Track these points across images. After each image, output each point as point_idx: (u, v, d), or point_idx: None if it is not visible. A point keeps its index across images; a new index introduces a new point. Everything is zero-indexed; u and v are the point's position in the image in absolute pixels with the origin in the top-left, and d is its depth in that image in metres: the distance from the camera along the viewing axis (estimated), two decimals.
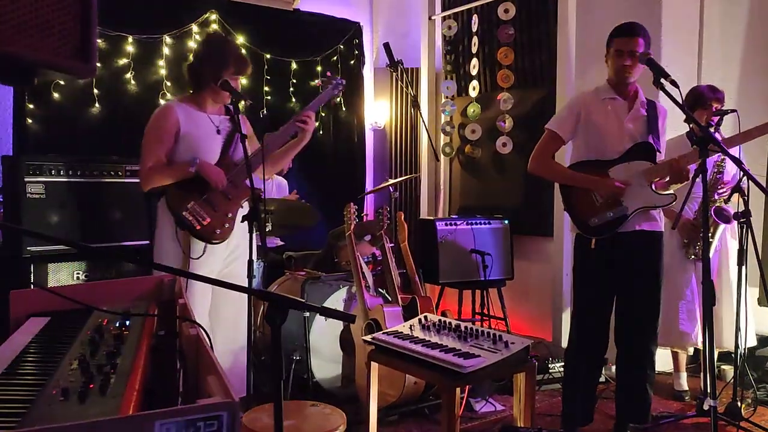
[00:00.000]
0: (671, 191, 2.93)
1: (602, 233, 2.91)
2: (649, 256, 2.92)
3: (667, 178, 2.89)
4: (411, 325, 2.64)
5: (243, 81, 4.89)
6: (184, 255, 2.78)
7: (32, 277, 3.06)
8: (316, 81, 3.13)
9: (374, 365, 2.54)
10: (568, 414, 3.06)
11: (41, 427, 0.91)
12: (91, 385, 1.19)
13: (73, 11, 0.82)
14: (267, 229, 3.73)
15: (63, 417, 1.05)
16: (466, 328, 2.53)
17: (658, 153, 2.93)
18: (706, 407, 2.35)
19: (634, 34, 2.86)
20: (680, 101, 2.44)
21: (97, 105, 4.39)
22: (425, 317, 2.71)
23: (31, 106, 4.14)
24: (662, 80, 2.50)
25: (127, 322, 1.65)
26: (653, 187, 2.89)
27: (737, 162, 2.37)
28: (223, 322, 2.97)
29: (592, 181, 2.92)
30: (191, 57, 3.04)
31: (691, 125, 3.44)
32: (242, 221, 2.76)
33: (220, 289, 2.91)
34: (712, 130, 3.29)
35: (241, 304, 2.92)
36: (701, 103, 3.47)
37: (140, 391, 1.27)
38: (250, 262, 2.63)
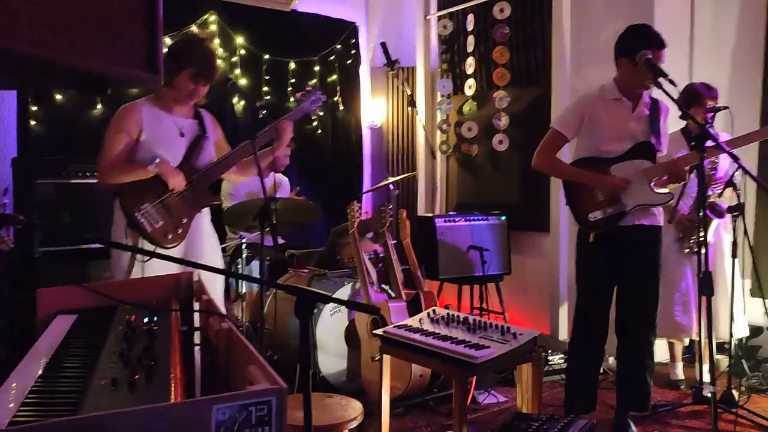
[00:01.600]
0: (668, 190, 3.04)
1: (601, 228, 3.01)
2: (648, 250, 3.02)
3: (666, 178, 2.99)
4: (420, 319, 2.72)
5: (242, 81, 5.05)
6: (131, 257, 2.68)
7: (43, 277, 3.11)
8: (297, 95, 3.11)
9: (386, 358, 2.62)
10: (570, 402, 3.16)
11: (114, 411, 0.97)
12: (137, 376, 1.25)
13: (142, 23, 0.88)
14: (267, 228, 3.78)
15: (118, 405, 1.11)
16: (474, 320, 2.61)
17: (658, 152, 3.03)
18: (706, 394, 2.44)
19: (665, 44, 2.87)
20: (677, 100, 2.54)
21: (99, 106, 4.42)
22: (433, 311, 2.79)
23: (34, 108, 4.16)
24: (660, 79, 2.59)
25: (155, 318, 1.71)
26: (652, 185, 2.98)
27: (735, 158, 2.46)
28: None
29: (595, 178, 3.01)
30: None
31: (687, 122, 3.55)
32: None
33: None
34: (708, 127, 3.38)
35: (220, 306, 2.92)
36: (696, 100, 3.56)
37: (183, 380, 1.33)
38: (262, 261, 2.70)
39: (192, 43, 2.88)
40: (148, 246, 2.66)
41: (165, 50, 2.82)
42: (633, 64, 2.88)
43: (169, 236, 2.71)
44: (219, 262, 2.89)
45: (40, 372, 1.34)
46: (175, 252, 2.74)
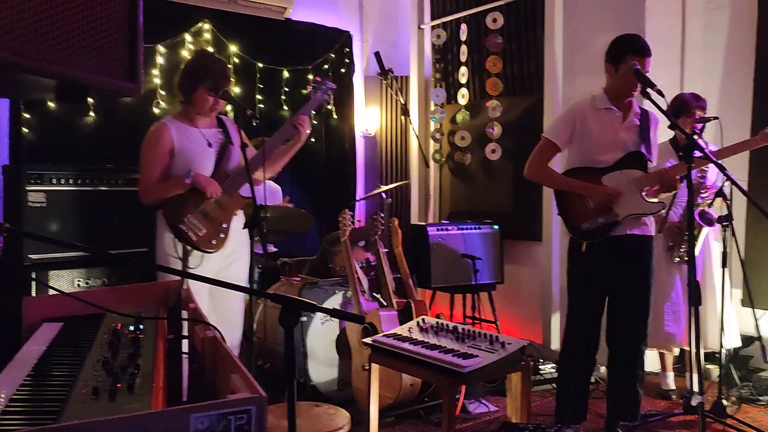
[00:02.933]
0: (660, 200, 3.05)
1: (593, 237, 3.02)
2: (639, 259, 3.03)
3: (657, 187, 3.00)
4: (410, 328, 2.71)
5: (236, 90, 5.06)
6: (183, 265, 2.85)
7: (33, 285, 3.10)
8: (308, 87, 3.22)
9: (375, 367, 2.61)
10: (561, 411, 3.15)
11: (90, 420, 0.97)
12: (119, 385, 1.25)
13: (123, 34, 0.88)
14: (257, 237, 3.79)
15: (98, 414, 1.10)
16: (463, 329, 2.61)
17: (649, 162, 3.04)
18: (694, 403, 2.44)
19: (650, 53, 2.91)
20: (666, 110, 2.56)
21: (92, 114, 4.42)
22: (423, 320, 2.79)
23: (26, 115, 4.16)
24: (648, 90, 2.61)
25: (141, 326, 1.71)
26: (643, 195, 3.00)
27: (721, 168, 2.47)
28: (222, 327, 3.01)
29: (587, 188, 3.02)
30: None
31: (675, 132, 3.57)
32: (243, 228, 2.81)
33: (218, 295, 2.98)
34: (696, 137, 3.40)
35: (237, 310, 3.03)
36: (685, 110, 3.59)
37: (165, 389, 1.33)
38: (252, 268, 2.70)
39: (203, 58, 3.07)
40: (196, 254, 2.84)
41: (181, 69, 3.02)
42: (616, 71, 2.93)
43: (213, 241, 2.90)
44: (246, 259, 2.99)
45: (23, 380, 1.34)
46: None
